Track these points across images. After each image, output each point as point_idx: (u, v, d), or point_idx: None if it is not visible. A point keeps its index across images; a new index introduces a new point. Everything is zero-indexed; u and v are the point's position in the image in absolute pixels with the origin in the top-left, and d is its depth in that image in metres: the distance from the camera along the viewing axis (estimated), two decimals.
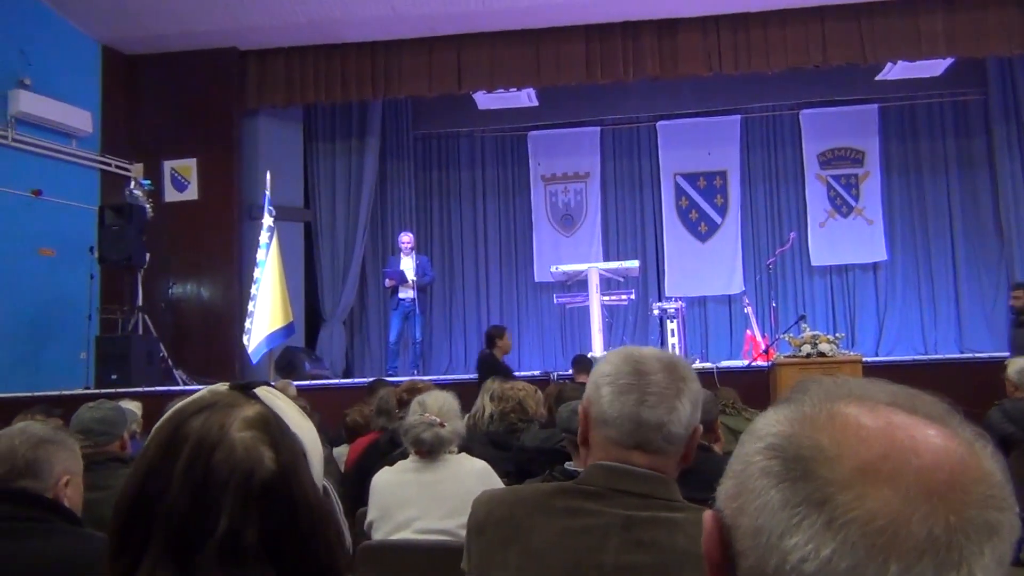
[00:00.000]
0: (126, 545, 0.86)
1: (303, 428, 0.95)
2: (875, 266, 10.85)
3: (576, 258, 10.14)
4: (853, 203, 10.90)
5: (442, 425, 2.87)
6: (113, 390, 7.24)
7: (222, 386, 0.98)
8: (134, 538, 0.86)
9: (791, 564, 0.55)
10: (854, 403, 0.61)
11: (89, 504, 2.71)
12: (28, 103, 8.25)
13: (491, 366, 7.34)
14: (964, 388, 6.84)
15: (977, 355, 8.56)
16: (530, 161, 11.51)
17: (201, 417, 0.90)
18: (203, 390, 0.98)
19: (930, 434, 0.58)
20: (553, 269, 9.21)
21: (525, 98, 10.25)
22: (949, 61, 9.57)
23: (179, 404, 0.95)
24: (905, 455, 0.56)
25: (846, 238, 10.81)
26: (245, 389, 0.97)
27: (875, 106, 10.87)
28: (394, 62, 9.45)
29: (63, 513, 1.90)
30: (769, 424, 0.63)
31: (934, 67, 9.76)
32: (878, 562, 0.53)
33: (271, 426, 0.91)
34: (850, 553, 0.53)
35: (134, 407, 4.76)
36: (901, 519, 0.53)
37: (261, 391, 0.96)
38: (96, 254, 8.52)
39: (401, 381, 6.67)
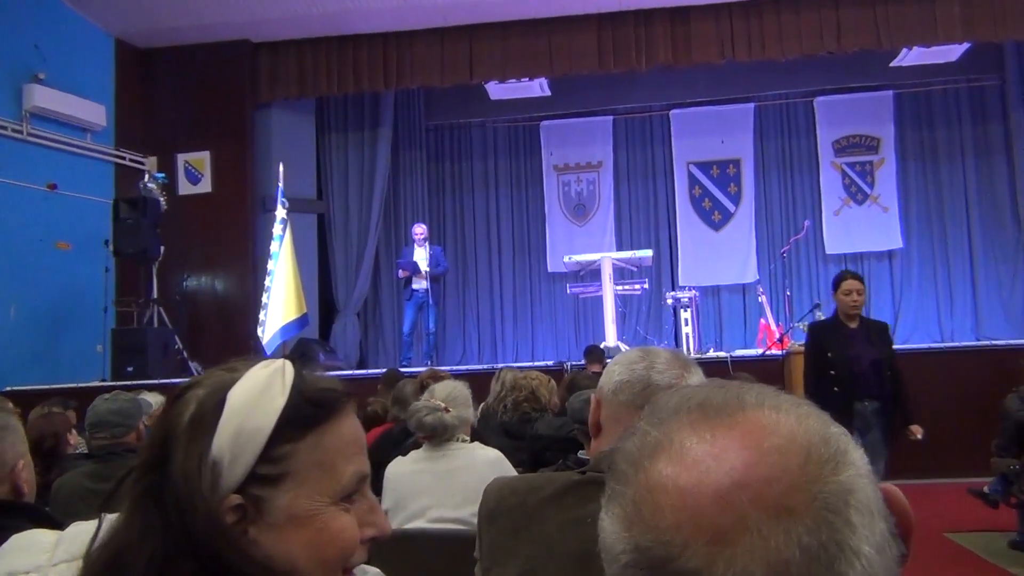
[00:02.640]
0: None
1: (245, 397, 0.88)
2: (890, 254, 10.78)
3: (589, 248, 10.12)
4: (868, 191, 10.83)
5: (447, 411, 2.88)
6: (129, 382, 7.30)
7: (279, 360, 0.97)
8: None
9: None
10: (661, 460, 0.58)
11: (102, 494, 2.74)
12: (43, 97, 8.30)
13: None
14: (981, 376, 6.81)
15: (994, 343, 8.49)
16: (543, 151, 11.48)
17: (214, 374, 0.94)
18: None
19: (740, 452, 0.56)
20: (566, 259, 9.19)
21: (537, 88, 10.23)
22: (965, 46, 9.48)
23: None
24: (734, 496, 0.54)
25: (861, 226, 10.74)
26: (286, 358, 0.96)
27: (890, 93, 10.79)
28: (406, 53, 9.45)
29: (25, 511, 1.79)
30: (613, 540, 0.59)
31: (950, 52, 9.67)
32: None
33: (216, 388, 0.89)
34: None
35: (152, 399, 4.78)
36: (773, 556, 0.52)
37: (267, 361, 0.93)
38: (111, 247, 8.57)
39: (415, 372, 6.70)
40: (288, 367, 0.92)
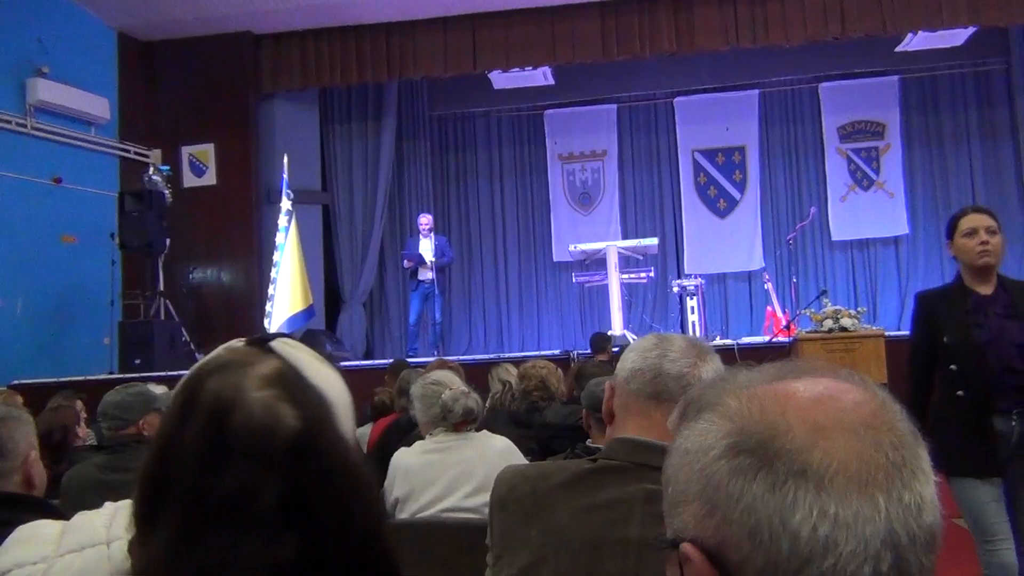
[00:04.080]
0: (150, 519, 0.83)
1: (328, 378, 0.89)
2: (896, 240, 10.76)
3: (594, 236, 10.10)
4: (874, 176, 10.80)
5: (468, 395, 2.92)
6: (137, 374, 7.32)
7: (238, 342, 0.92)
8: (151, 506, 0.83)
9: (805, 537, 0.59)
10: (770, 383, 0.67)
11: (113, 485, 2.75)
12: (46, 91, 8.29)
13: None
14: None
15: None
16: (547, 140, 11.46)
17: (216, 378, 0.85)
18: (219, 348, 0.93)
19: (834, 384, 0.66)
20: (571, 248, 9.19)
21: (541, 77, 10.20)
22: (971, 30, 9.42)
23: (196, 365, 0.91)
24: (833, 402, 0.64)
25: (867, 212, 10.71)
26: (262, 343, 0.91)
27: (896, 78, 10.74)
28: (409, 43, 9.42)
29: (31, 505, 1.79)
30: (708, 435, 0.66)
31: (955, 37, 9.61)
32: (870, 501, 0.59)
33: (290, 381, 0.85)
34: (848, 502, 0.59)
35: (159, 391, 4.78)
36: (864, 455, 0.61)
37: (277, 344, 0.91)
38: (117, 240, 8.58)
39: (421, 362, 6.71)
40: (289, 342, 0.93)
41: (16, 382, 7.18)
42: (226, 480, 0.79)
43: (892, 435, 0.62)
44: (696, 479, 0.65)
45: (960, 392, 2.98)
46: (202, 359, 0.92)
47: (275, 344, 0.90)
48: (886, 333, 6.51)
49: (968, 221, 3.10)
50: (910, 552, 0.59)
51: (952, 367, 3.02)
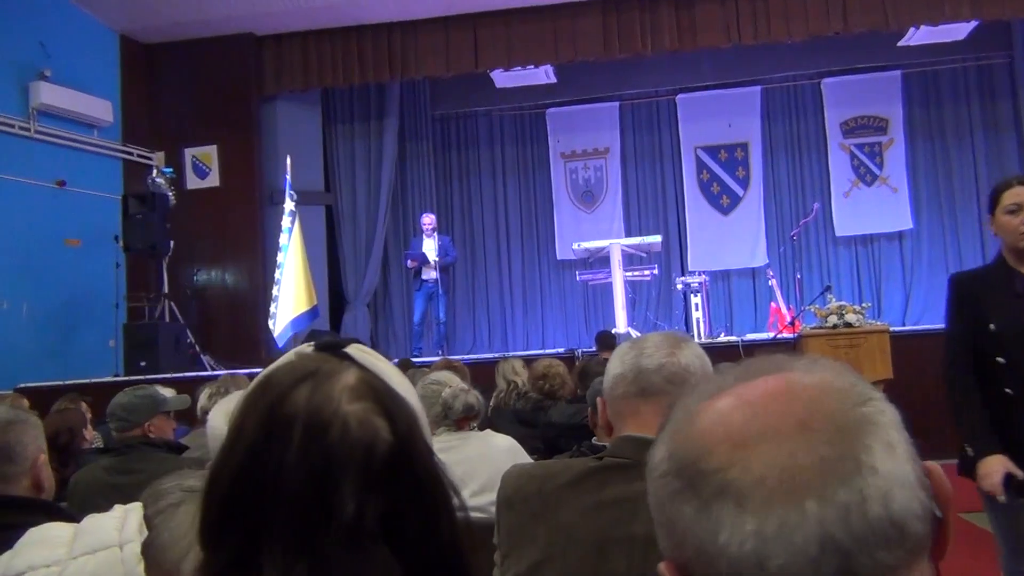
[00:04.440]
0: (228, 535, 0.79)
1: (408, 390, 0.86)
2: (901, 235, 10.74)
3: (598, 234, 10.09)
4: (877, 172, 10.78)
5: (468, 391, 2.92)
6: (142, 377, 7.34)
7: (308, 347, 0.89)
8: (238, 527, 0.78)
9: (732, 557, 0.57)
10: (707, 398, 0.64)
11: (120, 487, 2.76)
12: (49, 95, 8.31)
13: None
14: None
15: None
16: (549, 138, 11.46)
17: (303, 391, 0.81)
18: (289, 355, 0.89)
19: (772, 384, 0.63)
20: (575, 246, 9.18)
21: (543, 75, 10.19)
22: (973, 24, 9.39)
23: (267, 374, 0.87)
24: (761, 411, 0.61)
25: (871, 207, 10.69)
26: (335, 349, 0.88)
27: (898, 72, 10.72)
28: (410, 42, 9.43)
29: (40, 508, 1.79)
30: (655, 455, 0.65)
31: (958, 31, 9.58)
32: (796, 509, 0.56)
33: (380, 393, 0.82)
34: (770, 516, 0.56)
35: (167, 393, 4.79)
36: (789, 461, 0.58)
37: (354, 351, 0.87)
38: (121, 243, 8.60)
39: (426, 362, 6.72)
40: (363, 349, 0.90)
41: (22, 385, 7.19)
42: (335, 499, 0.76)
43: (830, 429, 0.59)
44: (652, 503, 0.65)
45: (1008, 390, 2.57)
46: (273, 367, 0.87)
47: (351, 351, 0.87)
48: (891, 328, 6.49)
49: (1012, 195, 2.63)
50: (860, 552, 0.55)
51: (999, 359, 2.59)
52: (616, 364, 1.59)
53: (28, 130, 8.24)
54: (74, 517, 1.89)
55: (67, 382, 7.33)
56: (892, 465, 0.58)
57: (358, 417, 0.80)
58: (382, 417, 0.81)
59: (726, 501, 0.58)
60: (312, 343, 0.91)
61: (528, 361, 4.86)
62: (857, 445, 0.58)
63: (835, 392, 0.62)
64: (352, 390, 0.81)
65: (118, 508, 1.23)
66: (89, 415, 4.30)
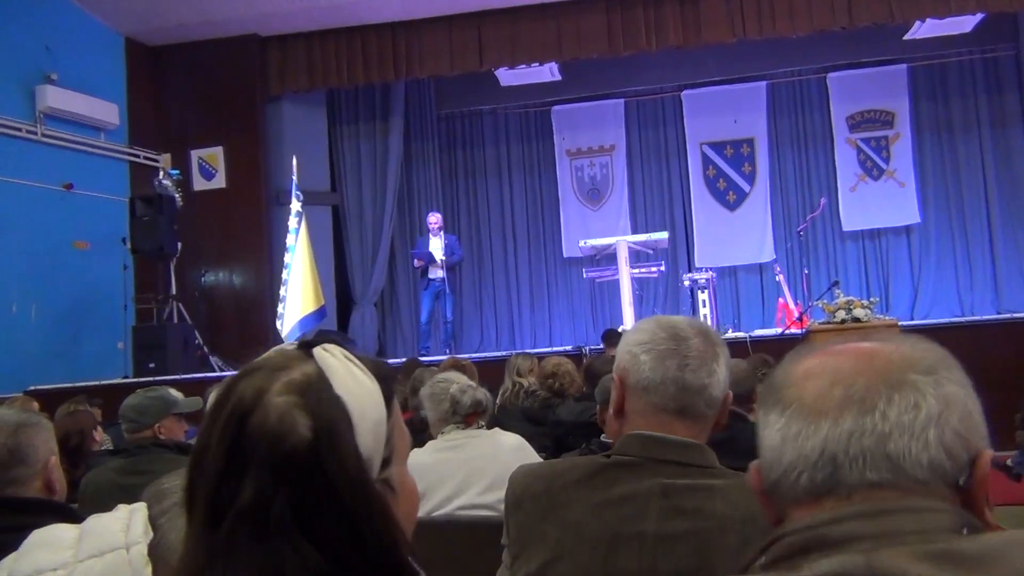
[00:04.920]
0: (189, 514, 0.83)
1: (355, 391, 0.85)
2: (908, 229, 10.70)
3: (604, 232, 10.08)
4: (884, 166, 10.74)
5: (476, 388, 2.94)
6: (151, 378, 7.36)
7: (290, 345, 0.91)
8: (187, 507, 0.83)
9: (765, 448, 0.83)
10: (817, 352, 0.87)
11: (131, 488, 2.76)
12: (55, 98, 8.34)
13: None
14: (1003, 349, 6.76)
15: (1015, 315, 8.42)
16: (555, 136, 11.45)
17: (251, 380, 0.84)
18: (271, 350, 0.91)
19: (860, 346, 0.83)
20: (581, 244, 9.16)
21: (548, 73, 10.19)
22: (979, 17, 9.35)
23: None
24: (836, 359, 0.83)
25: (878, 202, 10.65)
26: (308, 347, 0.89)
27: (904, 66, 10.68)
28: (415, 42, 9.43)
29: (52, 510, 1.80)
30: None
31: (964, 23, 9.55)
32: (813, 423, 0.79)
33: (313, 391, 0.82)
34: (794, 423, 0.80)
35: (176, 395, 4.81)
36: (824, 392, 0.80)
37: (319, 349, 0.88)
38: (129, 245, 8.63)
39: (434, 361, 6.73)
40: (338, 350, 0.90)
41: (32, 388, 7.21)
42: (242, 485, 0.78)
43: (876, 380, 0.78)
44: None
45: None
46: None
47: (317, 349, 0.88)
48: (899, 323, 6.48)
49: None
50: (848, 467, 0.76)
51: None
52: (654, 365, 1.48)
53: (35, 133, 8.27)
54: (84, 518, 1.90)
55: (77, 384, 7.36)
56: (905, 418, 0.76)
57: (279, 409, 0.81)
58: (305, 413, 0.81)
59: (776, 407, 0.83)
60: (297, 340, 0.94)
61: (537, 359, 4.85)
62: (884, 397, 0.77)
63: (905, 358, 0.80)
64: (288, 384, 0.83)
65: (122, 508, 1.23)
66: (99, 417, 4.32)
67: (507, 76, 10.28)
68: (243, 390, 0.83)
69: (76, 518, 1.84)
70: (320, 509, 0.79)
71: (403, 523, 0.88)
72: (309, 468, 0.79)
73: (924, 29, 9.58)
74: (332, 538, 0.79)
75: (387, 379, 0.91)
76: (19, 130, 8.12)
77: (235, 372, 0.89)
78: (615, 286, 8.88)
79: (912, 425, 0.76)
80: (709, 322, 8.73)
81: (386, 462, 0.87)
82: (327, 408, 0.82)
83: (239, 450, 0.80)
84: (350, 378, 0.86)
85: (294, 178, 8.72)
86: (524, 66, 9.72)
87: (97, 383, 7.57)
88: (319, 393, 0.83)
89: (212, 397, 0.90)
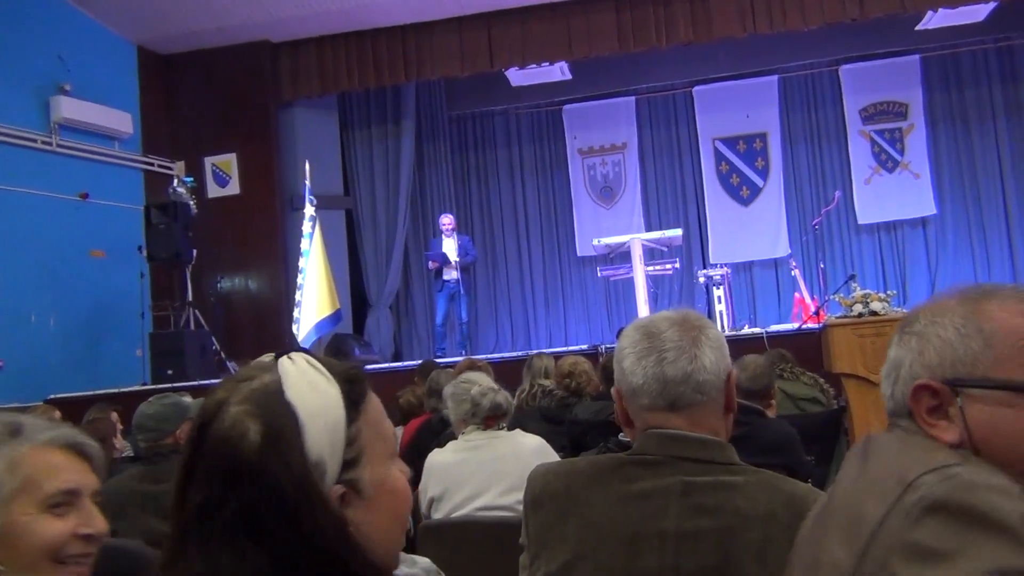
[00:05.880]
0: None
1: (306, 396, 0.88)
2: (924, 221, 10.63)
3: (618, 230, 10.05)
4: (898, 157, 10.68)
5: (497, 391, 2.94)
6: (169, 385, 7.40)
7: (267, 356, 0.95)
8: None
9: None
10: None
11: (152, 496, 2.78)
12: (70, 108, 8.39)
13: None
14: None
15: None
16: (566, 135, 11.44)
17: (216, 391, 0.90)
18: (253, 361, 0.96)
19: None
20: (595, 242, 9.14)
21: (558, 72, 10.18)
22: (992, 5, 9.27)
23: None
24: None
25: (893, 194, 10.59)
26: (277, 357, 0.93)
27: (917, 57, 10.61)
28: (425, 44, 9.44)
29: None
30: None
31: (976, 12, 9.46)
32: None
33: (265, 398, 0.87)
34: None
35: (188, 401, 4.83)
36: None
37: (282, 359, 0.92)
38: (145, 253, 8.67)
39: (450, 362, 6.73)
40: (302, 357, 0.94)
41: (52, 396, 7.27)
42: (196, 491, 0.83)
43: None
44: None
45: None
46: None
47: (283, 359, 0.92)
48: None
49: None
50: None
51: None
52: (635, 369, 1.48)
53: (50, 144, 8.32)
54: (111, 529, 1.91)
55: (96, 392, 7.40)
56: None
57: (234, 417, 0.85)
58: (256, 420, 0.85)
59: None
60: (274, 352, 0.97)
61: (554, 359, 4.84)
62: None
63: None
64: (247, 392, 0.88)
65: None
66: (119, 424, 4.34)
67: (517, 76, 10.28)
68: (208, 401, 0.89)
69: None
70: (267, 511, 0.82)
71: (383, 524, 0.91)
72: (257, 472, 0.83)
73: (936, 19, 9.51)
74: (278, 539, 0.82)
75: (354, 382, 0.93)
76: (34, 141, 8.18)
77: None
78: (630, 284, 8.86)
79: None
80: (725, 318, 8.70)
81: (350, 464, 0.89)
82: (275, 413, 0.86)
83: (197, 458, 0.85)
84: (304, 384, 0.89)
85: (307, 183, 8.75)
86: (534, 66, 9.71)
87: (117, 390, 7.63)
88: (271, 400, 0.87)
89: None
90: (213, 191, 9.71)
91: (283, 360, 0.92)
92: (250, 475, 0.83)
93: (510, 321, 11.42)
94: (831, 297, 7.66)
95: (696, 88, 11.13)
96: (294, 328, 8.45)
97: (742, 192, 10.98)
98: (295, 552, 0.82)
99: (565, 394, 4.13)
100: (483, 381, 3.00)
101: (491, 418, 2.93)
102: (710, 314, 9.24)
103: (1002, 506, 0.85)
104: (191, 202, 8.95)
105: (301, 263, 8.56)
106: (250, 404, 0.87)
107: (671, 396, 1.46)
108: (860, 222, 10.70)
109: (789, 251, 10.55)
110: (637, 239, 8.73)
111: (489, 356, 7.94)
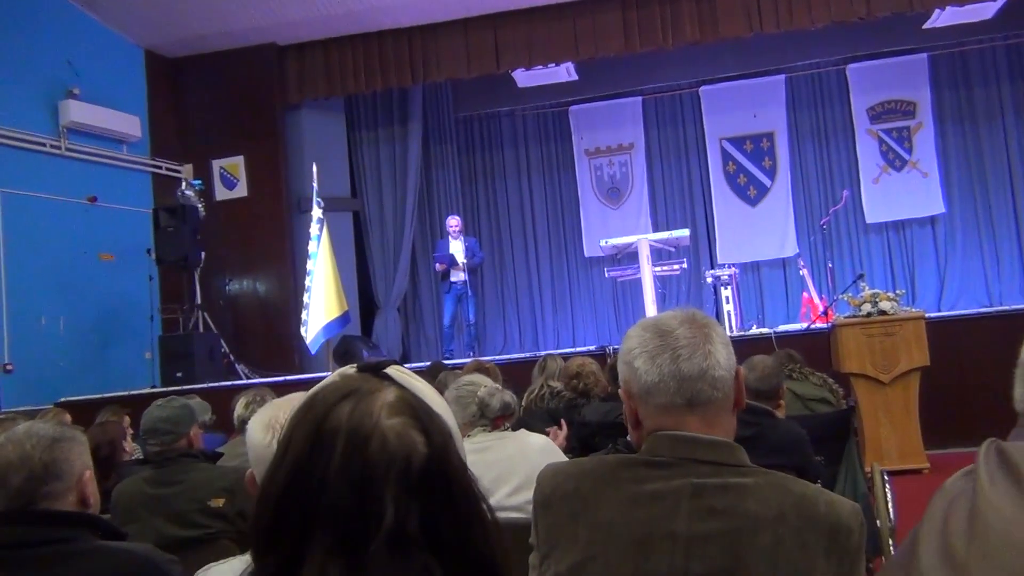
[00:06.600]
0: (278, 541, 0.85)
1: (443, 407, 0.92)
2: (933, 219, 10.59)
3: (625, 230, 10.05)
4: (907, 156, 10.64)
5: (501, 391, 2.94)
6: (179, 387, 7.43)
7: (350, 369, 0.96)
8: (286, 534, 0.84)
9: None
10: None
11: (162, 499, 2.79)
12: (78, 112, 8.43)
13: None
14: None
15: None
16: (573, 136, 11.44)
17: (346, 406, 0.87)
18: (333, 375, 0.96)
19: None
20: (603, 243, 9.13)
21: (564, 73, 10.18)
22: (1000, 2, 9.24)
23: (313, 393, 0.93)
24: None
25: (901, 193, 10.55)
26: (376, 370, 0.94)
27: (924, 55, 10.57)
28: (431, 46, 9.45)
29: (86, 522, 1.84)
30: None
31: (984, 10, 9.42)
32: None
33: (416, 410, 0.88)
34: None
35: (196, 405, 4.84)
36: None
37: (393, 371, 0.94)
38: (153, 256, 8.71)
39: (458, 363, 6.73)
40: (400, 368, 0.97)
41: (63, 400, 7.30)
42: (376, 508, 0.82)
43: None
44: None
45: None
46: (318, 386, 0.94)
47: (391, 371, 0.94)
48: (926, 315, 6.40)
49: None
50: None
51: None
52: (648, 368, 1.47)
53: (59, 148, 8.36)
54: (117, 529, 1.92)
55: (107, 395, 7.43)
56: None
57: (396, 431, 0.85)
58: (418, 431, 0.86)
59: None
60: (355, 365, 0.98)
61: (562, 359, 4.84)
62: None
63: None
64: (391, 406, 0.87)
65: (235, 561, 1.23)
66: (129, 428, 4.36)
67: (524, 77, 10.29)
68: (350, 418, 0.86)
69: (111, 531, 1.87)
70: (441, 519, 0.84)
71: None
72: (431, 482, 0.84)
73: (944, 17, 9.47)
74: (449, 546, 0.84)
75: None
76: (43, 145, 8.22)
77: (313, 401, 0.91)
78: (637, 285, 8.85)
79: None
80: (733, 318, 8.69)
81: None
82: (435, 423, 0.88)
83: (366, 477, 0.83)
84: (433, 394, 0.94)
85: (315, 185, 8.76)
86: (541, 67, 9.72)
87: (127, 393, 7.66)
88: (423, 411, 0.89)
89: (289, 428, 0.91)
90: (221, 194, 9.74)
91: (394, 372, 0.94)
92: (424, 486, 0.84)
93: (518, 322, 11.42)
94: (840, 297, 7.63)
95: (703, 88, 11.11)
96: (302, 330, 8.46)
97: (749, 192, 10.96)
98: (459, 557, 0.84)
99: (573, 395, 4.13)
100: (484, 382, 3.00)
101: (500, 418, 2.93)
102: (718, 314, 9.23)
103: None
104: (199, 205, 8.99)
105: (309, 265, 8.58)
106: (406, 416, 0.87)
107: (688, 393, 1.45)
108: (868, 221, 10.67)
109: (797, 251, 10.52)
110: (644, 240, 8.72)
111: (497, 357, 7.94)
